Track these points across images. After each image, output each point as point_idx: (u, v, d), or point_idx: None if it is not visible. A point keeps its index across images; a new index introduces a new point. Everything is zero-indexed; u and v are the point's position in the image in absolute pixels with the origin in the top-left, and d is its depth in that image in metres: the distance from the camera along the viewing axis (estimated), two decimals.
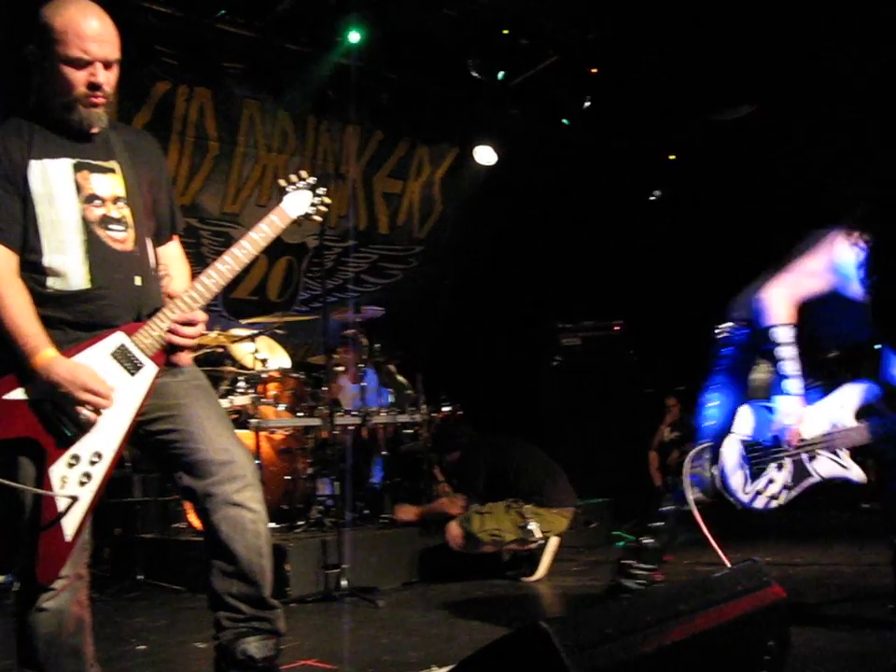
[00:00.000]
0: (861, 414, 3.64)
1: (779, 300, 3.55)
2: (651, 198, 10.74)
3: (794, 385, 3.50)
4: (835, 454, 3.60)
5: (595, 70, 8.64)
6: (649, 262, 10.22)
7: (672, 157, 10.35)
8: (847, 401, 3.66)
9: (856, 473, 3.63)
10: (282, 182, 3.11)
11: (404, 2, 7.71)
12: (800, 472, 3.59)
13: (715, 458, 3.57)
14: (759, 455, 3.55)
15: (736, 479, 3.55)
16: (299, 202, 3.09)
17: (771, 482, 3.56)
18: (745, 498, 3.56)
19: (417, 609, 5.10)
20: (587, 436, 8.36)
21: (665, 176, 10.61)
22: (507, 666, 1.86)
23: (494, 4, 7.80)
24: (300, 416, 6.81)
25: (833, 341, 3.76)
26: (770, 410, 3.58)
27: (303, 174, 3.15)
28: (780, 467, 3.57)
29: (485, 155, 9.61)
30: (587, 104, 9.04)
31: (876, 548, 5.56)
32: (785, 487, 3.58)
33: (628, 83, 8.66)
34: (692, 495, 3.65)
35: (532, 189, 9.76)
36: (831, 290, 3.58)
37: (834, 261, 3.54)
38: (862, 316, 3.61)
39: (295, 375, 7.11)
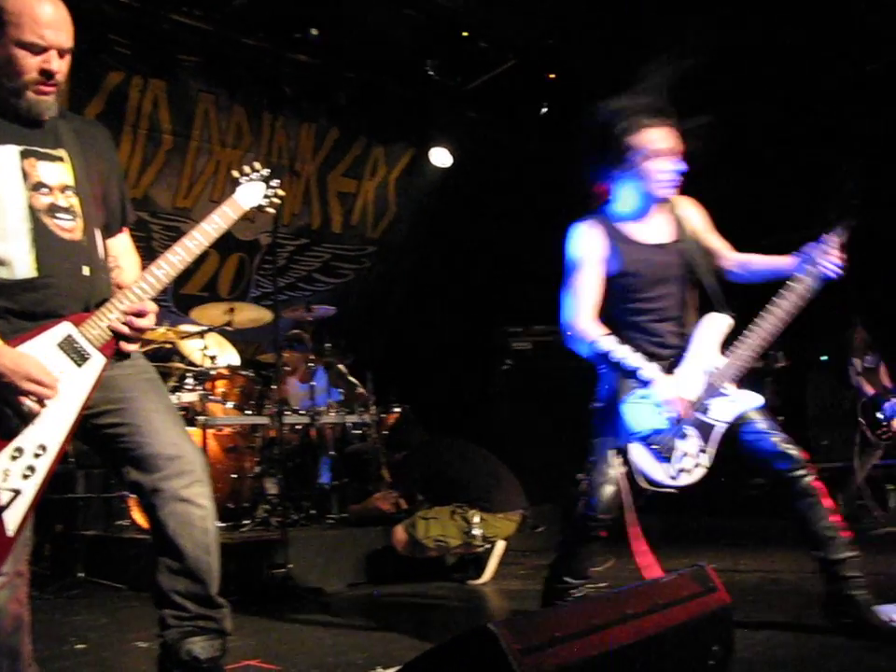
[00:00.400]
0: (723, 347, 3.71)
1: (581, 320, 3.64)
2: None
3: (646, 370, 3.53)
4: (724, 394, 3.63)
5: (552, 75, 8.66)
6: None
7: None
8: (705, 342, 3.70)
9: (751, 399, 3.66)
10: (235, 173, 3.08)
11: (364, 0, 7.68)
12: (704, 430, 3.60)
13: (628, 465, 3.57)
14: (660, 440, 3.55)
15: (658, 472, 3.55)
16: (252, 193, 3.06)
17: (685, 454, 3.57)
18: (674, 482, 3.56)
19: (363, 611, 5.08)
20: (536, 440, 8.37)
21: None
22: (454, 669, 1.85)
23: (454, 6, 7.80)
24: (248, 414, 6.77)
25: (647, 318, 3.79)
26: (647, 398, 3.57)
27: (256, 165, 3.12)
28: (685, 436, 3.57)
29: (441, 157, 9.61)
30: (544, 109, 9.08)
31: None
32: (700, 451, 3.59)
33: (586, 90, 8.69)
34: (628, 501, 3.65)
35: (487, 193, 9.76)
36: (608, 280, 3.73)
37: (583, 256, 3.71)
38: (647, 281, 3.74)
39: (244, 373, 7.06)
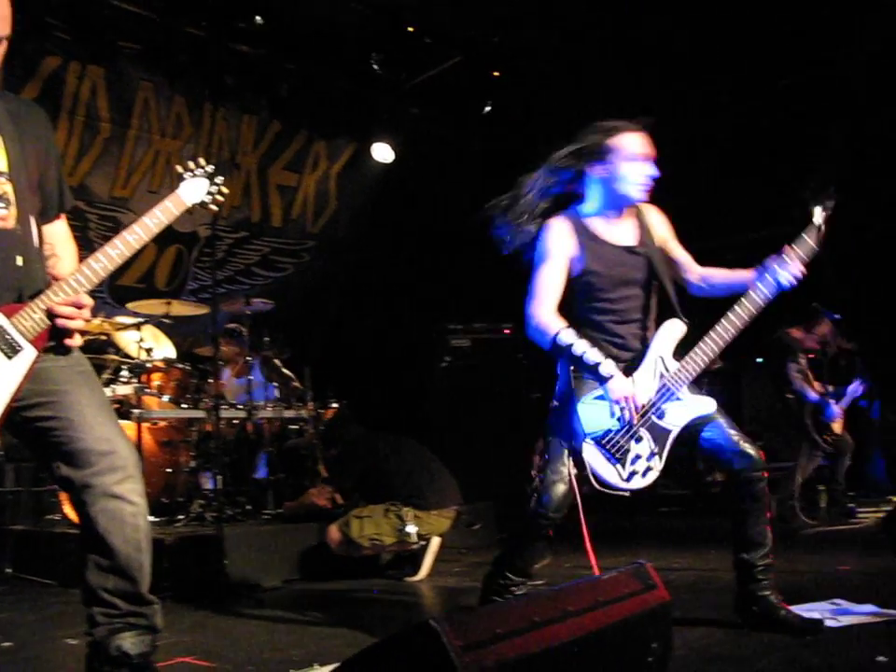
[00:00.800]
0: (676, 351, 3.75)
1: (543, 314, 3.66)
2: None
3: (606, 366, 3.54)
4: (679, 399, 3.67)
5: (497, 73, 8.67)
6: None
7: None
8: (661, 347, 3.74)
9: (705, 404, 3.70)
10: (179, 168, 3.03)
11: None
12: (658, 433, 3.64)
13: (581, 466, 3.58)
14: (614, 442, 3.57)
15: (610, 474, 3.57)
16: (195, 189, 3.01)
17: (639, 457, 3.59)
18: (626, 484, 3.58)
19: (298, 607, 5.03)
20: (473, 437, 8.38)
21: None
22: (395, 665, 1.84)
23: (400, 0, 7.77)
24: (184, 408, 6.68)
25: (606, 314, 3.83)
26: (602, 397, 3.60)
27: (201, 161, 3.07)
28: (639, 439, 3.60)
29: (383, 152, 9.57)
30: (487, 108, 9.09)
31: None
32: (653, 454, 3.62)
33: (530, 89, 8.74)
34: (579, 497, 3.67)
35: (428, 189, 9.75)
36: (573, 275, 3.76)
37: (550, 251, 3.73)
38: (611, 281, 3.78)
39: (180, 366, 6.97)
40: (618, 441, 3.58)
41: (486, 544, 7.18)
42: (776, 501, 7.47)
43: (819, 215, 3.71)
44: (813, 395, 7.55)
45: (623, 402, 3.56)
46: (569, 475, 3.61)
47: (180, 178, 2.99)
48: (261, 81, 8.50)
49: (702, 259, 4.01)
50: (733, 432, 3.73)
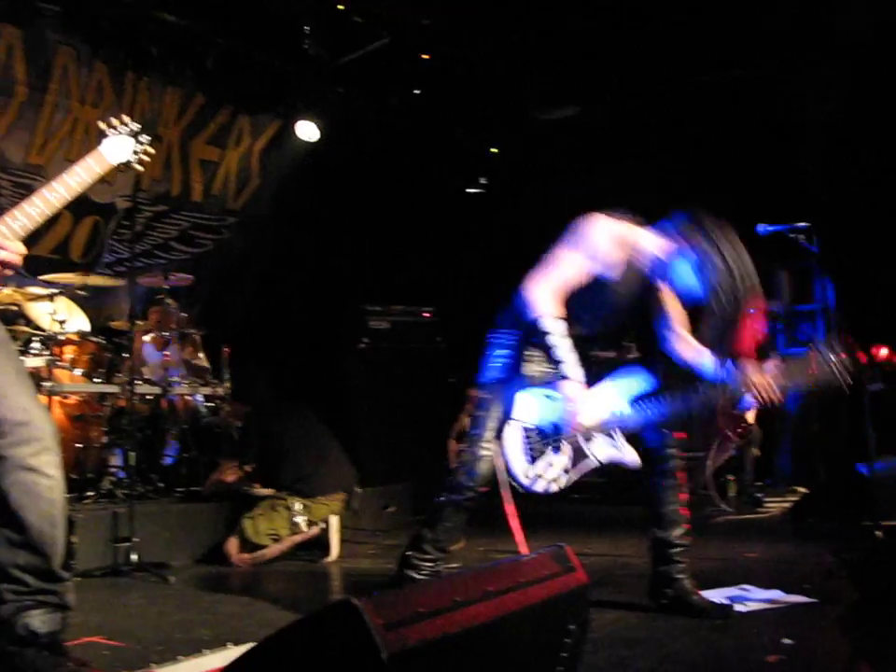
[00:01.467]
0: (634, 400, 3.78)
1: (543, 293, 3.61)
2: (470, 190, 10.89)
3: (572, 368, 3.54)
4: (611, 437, 3.73)
5: (426, 56, 8.62)
6: (463, 253, 10.35)
7: (494, 150, 10.50)
8: (623, 387, 3.79)
9: (630, 456, 3.76)
10: (101, 125, 2.92)
11: None
12: (578, 455, 3.68)
13: (498, 443, 3.62)
14: (539, 440, 3.61)
15: (518, 465, 3.60)
16: (119, 148, 2.92)
17: (550, 465, 3.63)
18: (527, 482, 3.62)
19: (210, 587, 4.98)
20: (390, 420, 8.36)
21: (485, 168, 10.76)
22: (314, 644, 1.82)
23: None
24: (97, 382, 6.53)
25: (594, 325, 3.88)
26: (549, 397, 3.63)
27: (125, 118, 2.97)
28: (558, 450, 3.64)
29: (308, 131, 9.45)
30: (416, 91, 9.05)
31: None
32: (564, 470, 3.65)
33: (459, 73, 8.72)
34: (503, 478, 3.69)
35: (352, 170, 9.68)
36: (592, 277, 3.69)
37: (588, 248, 3.67)
38: (615, 299, 3.79)
39: (94, 339, 6.80)
40: (541, 441, 3.62)
41: (401, 526, 7.20)
42: (688, 489, 7.61)
43: (820, 360, 3.75)
44: None
45: (569, 405, 3.54)
46: (496, 451, 3.65)
47: (102, 136, 2.89)
48: (187, 53, 8.31)
49: None
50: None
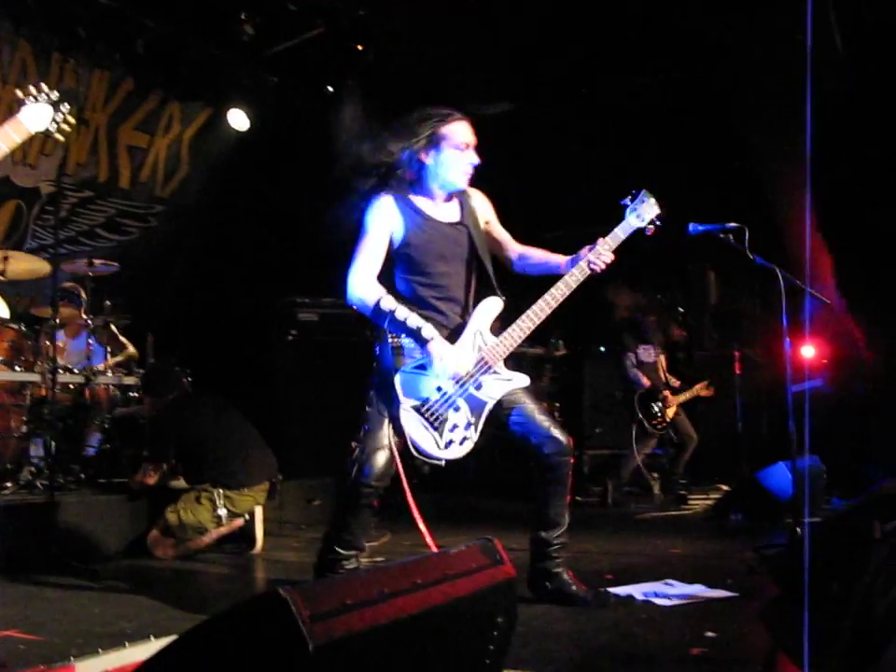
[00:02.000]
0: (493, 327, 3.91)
1: (365, 279, 3.77)
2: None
3: (428, 329, 3.62)
4: (495, 372, 3.82)
5: (360, 47, 8.56)
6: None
7: None
8: (480, 322, 3.87)
9: (519, 379, 3.89)
10: (19, 93, 2.82)
11: None
12: (475, 404, 3.76)
13: (399, 433, 3.64)
14: (433, 410, 3.66)
15: (427, 442, 3.63)
16: (38, 116, 2.81)
17: (456, 426, 3.70)
18: (445, 454, 3.68)
19: (133, 580, 4.90)
20: (317, 412, 8.30)
21: None
22: (239, 635, 1.78)
23: None
24: (17, 371, 6.36)
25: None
26: (421, 368, 3.68)
27: (44, 86, 2.87)
28: (457, 409, 3.71)
29: (239, 119, 9.34)
30: (350, 82, 9.00)
31: (587, 536, 5.90)
32: (469, 424, 3.74)
33: (394, 64, 8.68)
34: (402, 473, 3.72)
35: (282, 160, 9.59)
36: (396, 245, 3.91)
37: (385, 222, 3.87)
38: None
39: (14, 326, 6.63)
40: (436, 410, 3.67)
41: (326, 520, 7.13)
42: (611, 486, 7.71)
43: (633, 218, 4.05)
44: (645, 382, 7.81)
45: (443, 363, 3.62)
46: (390, 444, 3.70)
47: (20, 104, 2.79)
48: (116, 36, 8.14)
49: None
50: (542, 417, 3.92)
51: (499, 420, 3.86)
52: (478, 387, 3.76)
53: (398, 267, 3.92)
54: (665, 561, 5.06)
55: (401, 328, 3.62)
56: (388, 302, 3.61)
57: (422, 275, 3.89)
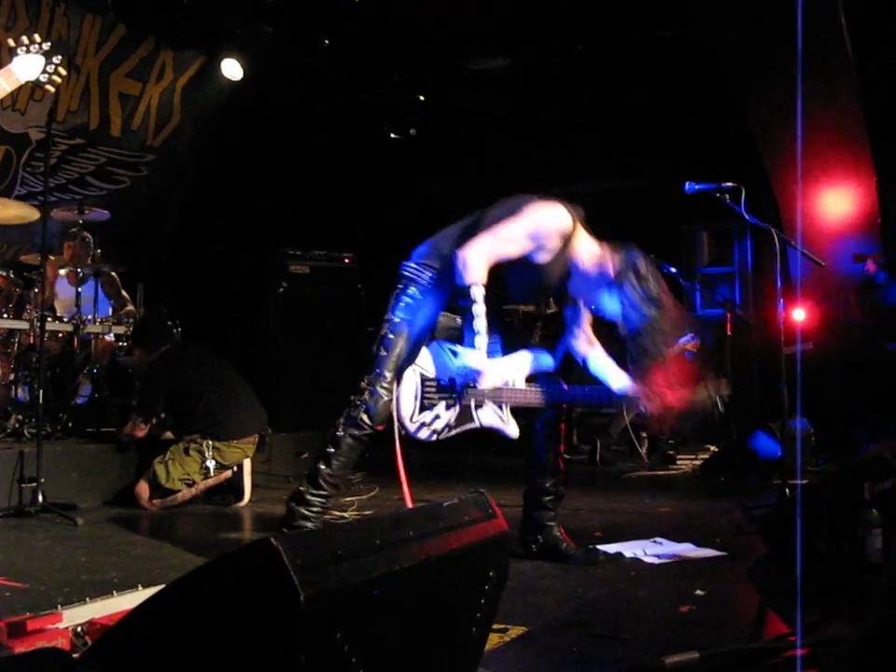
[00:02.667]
0: (530, 379, 3.94)
1: (479, 260, 3.65)
2: (393, 136, 10.77)
3: (482, 340, 3.63)
4: (500, 407, 3.88)
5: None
6: (387, 200, 10.26)
7: (422, 98, 10.38)
8: (522, 364, 3.91)
9: (512, 429, 3.95)
10: (11, 42, 2.78)
11: None
12: (464, 416, 3.83)
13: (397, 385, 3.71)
14: (433, 391, 3.74)
15: (407, 407, 3.72)
16: (30, 66, 2.77)
17: (437, 417, 3.78)
18: (411, 427, 3.75)
19: (119, 529, 4.89)
20: (307, 366, 8.28)
21: (413, 116, 10.65)
22: (228, 585, 1.76)
23: None
24: (5, 318, 6.31)
25: (516, 299, 4.11)
26: (454, 353, 3.76)
27: (36, 37, 2.83)
28: (449, 407, 3.79)
29: (232, 69, 9.20)
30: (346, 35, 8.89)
31: (576, 495, 5.91)
32: (448, 426, 3.81)
33: (391, 17, 8.57)
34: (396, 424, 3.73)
35: (275, 112, 9.48)
36: (523, 256, 3.75)
37: (533, 229, 3.70)
38: (540, 281, 3.86)
39: (3, 273, 6.57)
40: (436, 393, 3.74)
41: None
42: (602, 445, 7.72)
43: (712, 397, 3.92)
44: None
45: (472, 371, 3.67)
46: (395, 393, 3.73)
47: (12, 53, 2.75)
48: None
49: None
50: None
51: None
52: (478, 407, 3.83)
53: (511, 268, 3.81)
54: (654, 520, 5.07)
55: (467, 316, 3.67)
56: (478, 292, 3.59)
57: (523, 291, 4.01)
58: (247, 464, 5.83)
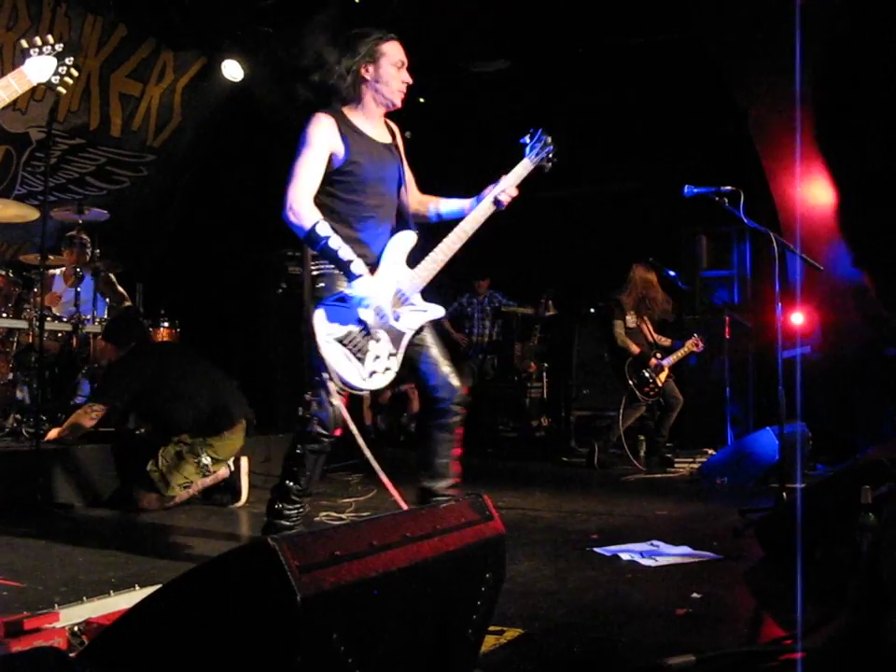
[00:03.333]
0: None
1: (304, 198, 3.69)
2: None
3: (358, 265, 3.61)
4: (412, 304, 3.84)
5: (357, 0, 8.44)
6: None
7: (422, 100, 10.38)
8: (396, 254, 3.86)
9: (434, 310, 3.92)
10: (24, 44, 2.79)
11: None
12: (395, 335, 3.77)
13: (322, 367, 3.61)
14: (356, 342, 3.65)
15: (350, 372, 3.63)
16: (42, 68, 2.79)
17: (378, 356, 3.72)
18: (367, 384, 3.69)
19: (117, 529, 4.90)
20: (303, 366, 8.27)
21: (412, 117, 10.66)
22: (226, 585, 1.77)
23: None
24: (4, 318, 6.32)
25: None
26: (342, 300, 3.66)
27: (50, 38, 2.85)
28: (377, 340, 3.71)
29: (233, 70, 9.21)
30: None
31: (573, 497, 5.92)
32: (391, 354, 3.76)
33: (391, 13, 8.56)
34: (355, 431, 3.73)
35: (275, 112, 9.48)
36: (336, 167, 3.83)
37: (327, 140, 3.79)
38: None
39: (2, 273, 6.58)
40: (359, 341, 3.65)
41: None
42: (599, 447, 7.73)
43: (532, 156, 4.11)
44: (634, 350, 7.81)
45: (370, 298, 3.63)
46: (338, 392, 3.69)
47: (24, 55, 2.76)
48: None
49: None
50: (444, 363, 3.92)
51: (410, 361, 3.88)
52: (396, 318, 3.76)
53: (333, 185, 3.82)
54: (651, 522, 5.07)
55: (332, 256, 3.60)
56: (323, 229, 3.59)
57: (360, 195, 3.85)
58: (245, 463, 5.82)
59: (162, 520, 5.21)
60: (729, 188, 5.17)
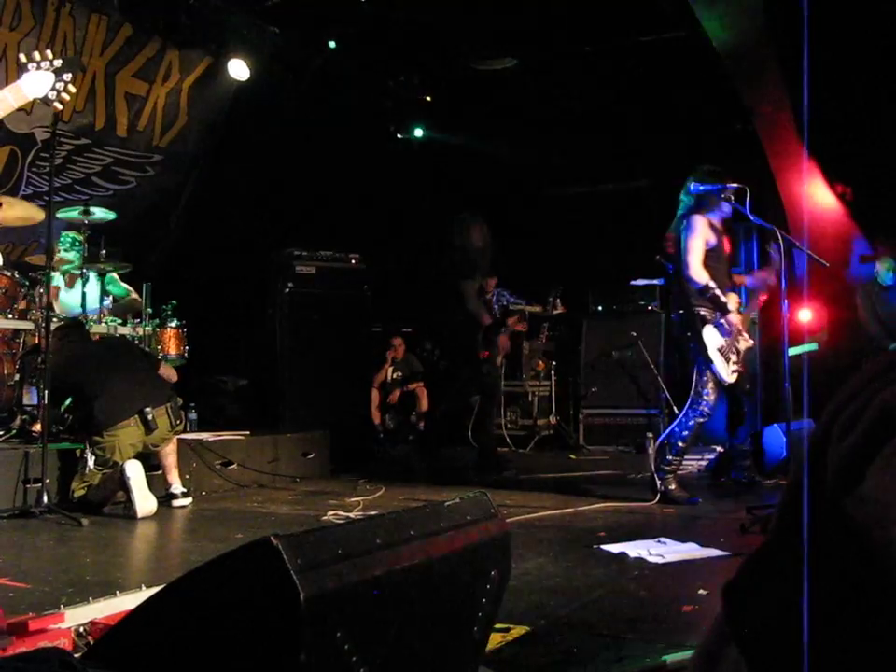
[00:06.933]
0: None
1: (700, 265, 5.56)
2: (399, 136, 10.81)
3: (731, 303, 5.59)
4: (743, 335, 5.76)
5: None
6: (393, 201, 10.27)
7: (428, 98, 10.39)
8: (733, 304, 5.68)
9: (748, 342, 5.80)
10: (22, 58, 2.79)
11: None
12: (733, 347, 5.63)
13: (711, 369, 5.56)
14: (726, 351, 5.54)
15: (724, 371, 5.54)
16: (39, 83, 2.78)
17: (736, 362, 5.63)
18: (729, 379, 5.58)
19: (123, 530, 4.89)
20: (312, 366, 8.29)
21: (419, 116, 10.68)
22: (229, 584, 1.77)
23: None
24: (10, 318, 6.32)
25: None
26: (720, 326, 5.55)
27: (48, 53, 2.84)
28: (735, 352, 5.61)
29: (239, 69, 9.20)
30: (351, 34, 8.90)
31: (581, 495, 5.91)
32: (736, 362, 5.63)
33: (396, 17, 8.57)
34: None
35: (282, 111, 9.50)
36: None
37: (706, 232, 5.59)
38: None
39: (7, 274, 6.57)
40: (728, 351, 5.54)
41: (319, 474, 7.19)
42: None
43: None
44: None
45: (730, 327, 5.56)
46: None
47: (23, 69, 2.76)
48: None
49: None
50: None
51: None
52: (739, 342, 5.67)
53: (707, 258, 5.58)
54: (659, 519, 5.07)
55: (715, 300, 5.49)
56: (712, 283, 5.49)
57: (720, 265, 5.69)
58: (172, 442, 5.69)
59: (170, 520, 5.21)
60: (735, 185, 5.16)
